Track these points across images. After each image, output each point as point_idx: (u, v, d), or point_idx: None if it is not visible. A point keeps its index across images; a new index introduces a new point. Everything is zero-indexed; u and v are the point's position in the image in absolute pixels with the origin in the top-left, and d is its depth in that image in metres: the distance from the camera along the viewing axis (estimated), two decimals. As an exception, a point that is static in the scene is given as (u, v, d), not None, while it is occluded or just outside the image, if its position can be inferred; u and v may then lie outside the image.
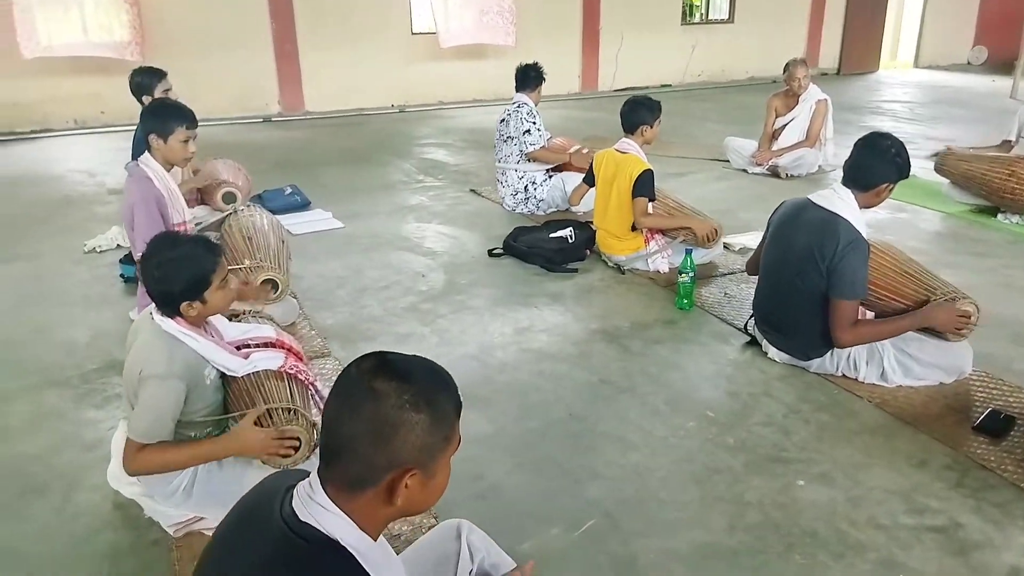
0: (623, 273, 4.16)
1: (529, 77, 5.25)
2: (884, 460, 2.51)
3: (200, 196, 4.43)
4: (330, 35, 9.27)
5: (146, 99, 4.19)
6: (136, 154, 3.91)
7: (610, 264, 4.25)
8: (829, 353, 3.02)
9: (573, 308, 3.71)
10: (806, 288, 2.93)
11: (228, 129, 8.50)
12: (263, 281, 3.33)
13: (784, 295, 3.06)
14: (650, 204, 4.11)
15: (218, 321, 2.40)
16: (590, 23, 10.99)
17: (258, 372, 2.26)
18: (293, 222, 4.99)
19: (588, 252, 4.36)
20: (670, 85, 11.86)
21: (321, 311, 3.67)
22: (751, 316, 3.35)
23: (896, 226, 4.97)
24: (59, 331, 3.49)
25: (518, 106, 5.21)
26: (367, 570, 1.10)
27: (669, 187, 4.73)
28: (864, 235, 2.87)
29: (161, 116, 3.19)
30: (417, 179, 6.21)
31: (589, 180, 4.40)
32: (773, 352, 3.17)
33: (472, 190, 5.86)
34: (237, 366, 2.23)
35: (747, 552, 2.11)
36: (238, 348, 2.35)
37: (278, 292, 3.38)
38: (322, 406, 2.41)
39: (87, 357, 3.23)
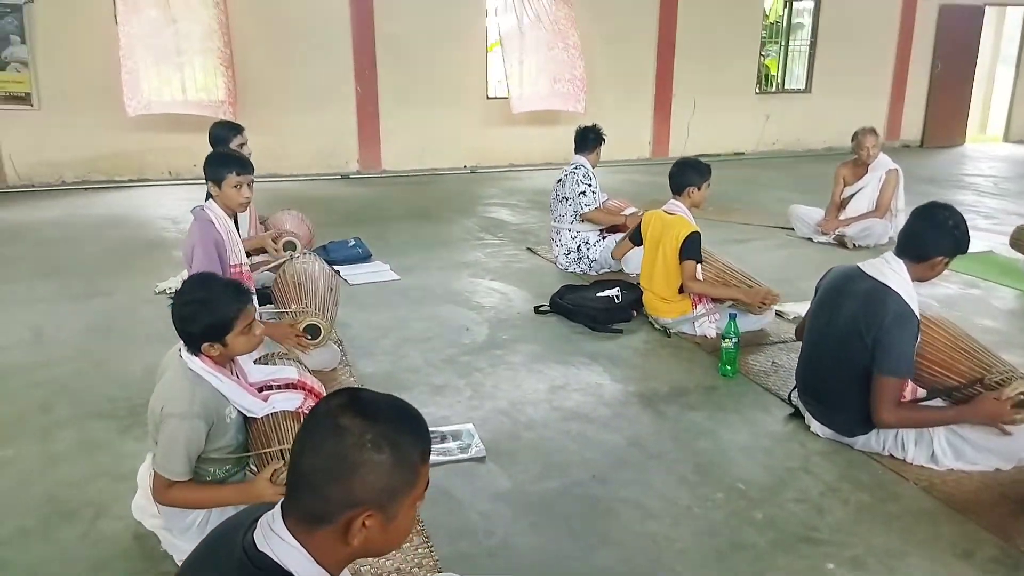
0: (669, 336, 4.09)
1: (588, 139, 5.32)
2: (925, 548, 2.33)
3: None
4: (410, 98, 9.67)
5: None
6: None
7: (656, 326, 4.18)
8: (875, 431, 2.86)
9: (611, 369, 3.66)
10: (850, 361, 2.81)
11: (309, 184, 8.91)
12: (306, 327, 3.43)
13: (827, 367, 2.93)
14: (698, 267, 4.05)
15: (244, 362, 2.49)
16: (663, 89, 11.10)
17: (276, 413, 2.32)
18: (352, 272, 5.14)
19: (635, 313, 4.31)
20: (743, 153, 11.77)
21: (363, 359, 3.74)
22: (795, 387, 3.22)
23: (967, 302, 4.72)
24: (117, 365, 3.67)
25: (575, 167, 5.28)
26: None
27: (730, 253, 4.62)
28: (915, 309, 2.74)
29: (214, 164, 3.38)
30: (477, 236, 6.33)
31: (635, 239, 4.39)
32: (816, 426, 3.03)
33: (529, 248, 5.91)
34: (256, 408, 2.29)
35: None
36: (261, 389, 2.42)
37: (319, 338, 3.47)
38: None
39: (138, 392, 3.37)
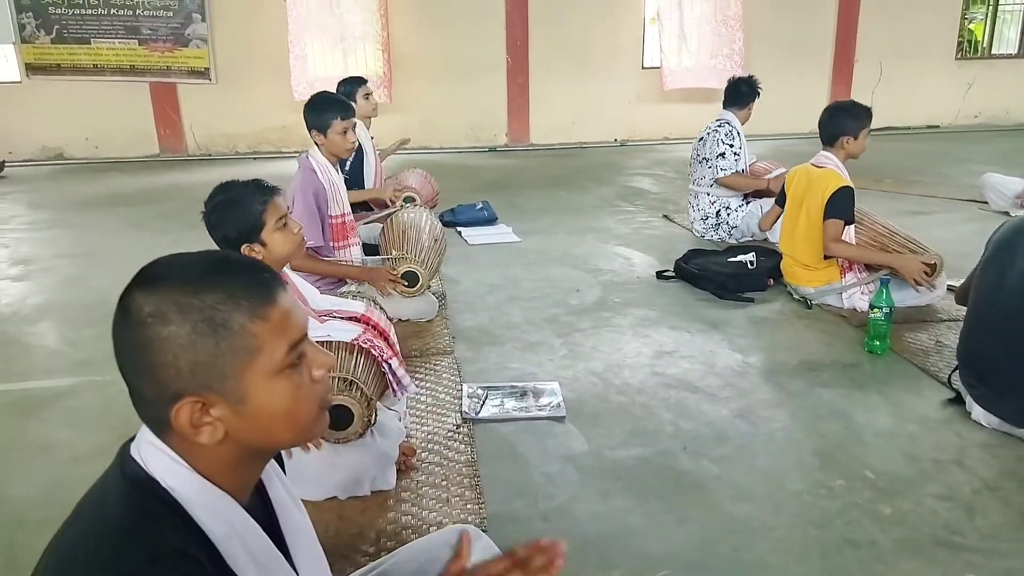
0: (809, 308, 3.55)
1: (740, 92, 4.77)
2: (1116, 573, 1.76)
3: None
4: (561, 69, 9.42)
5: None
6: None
7: (796, 296, 3.65)
8: (1060, 422, 2.25)
9: (732, 337, 3.21)
10: (1026, 331, 2.22)
11: (456, 156, 8.94)
12: (404, 273, 3.31)
13: (995, 338, 2.35)
14: (849, 228, 3.47)
15: (308, 290, 2.37)
16: (843, 54, 10.03)
17: (330, 341, 2.17)
18: (473, 234, 5.01)
19: (771, 282, 3.79)
20: (938, 126, 10.40)
21: (464, 313, 3.56)
22: (956, 367, 2.63)
23: None
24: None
25: (719, 124, 4.78)
26: (193, 516, 0.87)
27: (901, 224, 3.87)
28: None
29: (316, 110, 3.28)
30: (612, 204, 5.97)
31: (781, 201, 3.84)
32: (978, 412, 2.45)
33: (665, 216, 5.48)
34: (310, 325, 2.15)
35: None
36: (323, 316, 2.30)
37: (417, 285, 3.33)
38: (396, 387, 2.27)
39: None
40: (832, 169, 3.50)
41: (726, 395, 2.70)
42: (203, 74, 8.66)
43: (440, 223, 3.92)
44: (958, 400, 2.59)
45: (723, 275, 3.77)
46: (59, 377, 2.93)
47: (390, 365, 2.24)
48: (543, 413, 2.54)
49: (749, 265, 3.83)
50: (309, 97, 3.38)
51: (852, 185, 3.45)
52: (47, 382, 2.90)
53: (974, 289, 2.50)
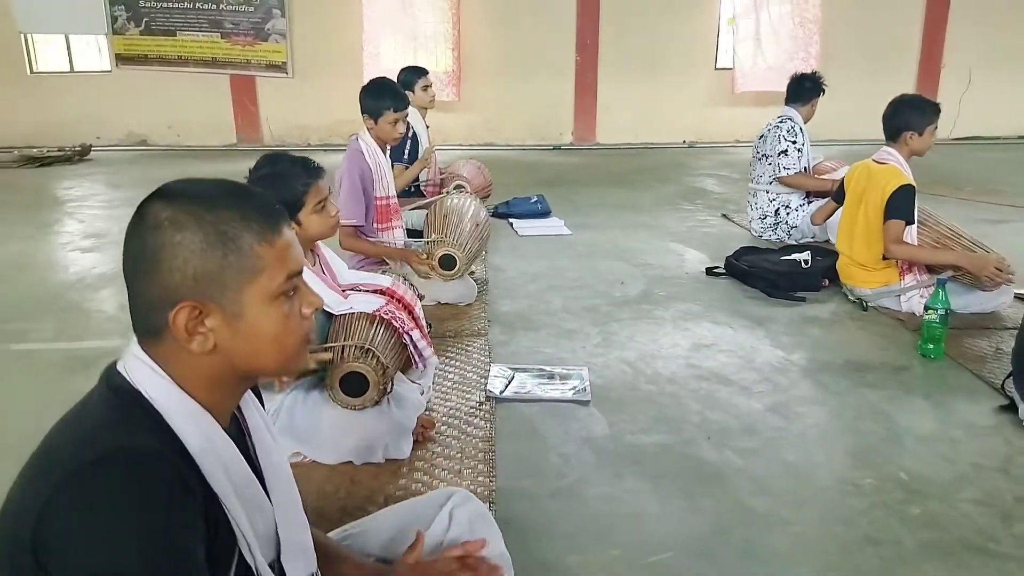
0: (865, 310, 3.39)
1: (803, 88, 4.63)
2: None
3: (441, 185, 4.68)
4: (631, 69, 9.33)
5: (409, 94, 4.51)
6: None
7: (851, 298, 3.50)
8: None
9: (775, 335, 3.10)
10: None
11: (520, 153, 8.95)
12: (442, 256, 3.33)
13: (1054, 340, 2.19)
14: (910, 229, 3.30)
15: (337, 264, 2.41)
16: (929, 59, 9.60)
17: (353, 313, 2.20)
18: (524, 225, 5.00)
19: (826, 282, 3.65)
20: (1030, 137, 9.83)
21: (504, 299, 3.55)
22: (1011, 373, 2.46)
23: None
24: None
25: (781, 120, 4.63)
26: (172, 426, 0.90)
27: (975, 231, 3.61)
28: None
29: (372, 97, 3.34)
30: (671, 202, 5.86)
31: (839, 197, 3.69)
32: (1033, 420, 2.29)
33: (724, 215, 5.35)
34: (333, 302, 2.19)
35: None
36: (348, 291, 2.32)
37: (454, 269, 3.34)
38: (418, 360, 2.28)
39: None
40: (894, 166, 3.34)
41: (760, 389, 2.61)
42: (281, 68, 8.95)
43: (485, 211, 3.93)
44: (1012, 408, 2.43)
45: (775, 273, 3.64)
46: (110, 339, 3.07)
47: (411, 337, 2.26)
48: (568, 396, 2.51)
49: (803, 264, 3.70)
50: (368, 81, 3.45)
51: (914, 183, 3.29)
52: (97, 343, 3.04)
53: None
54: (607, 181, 6.88)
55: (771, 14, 9.12)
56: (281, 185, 2.04)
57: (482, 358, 2.82)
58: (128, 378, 0.92)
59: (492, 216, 5.17)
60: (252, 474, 1.01)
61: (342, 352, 2.06)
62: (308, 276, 2.12)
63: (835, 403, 2.53)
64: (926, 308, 2.88)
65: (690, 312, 3.37)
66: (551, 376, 2.65)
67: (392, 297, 2.34)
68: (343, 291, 2.30)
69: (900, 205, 3.25)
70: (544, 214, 5.33)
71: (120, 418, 0.89)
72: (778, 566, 1.72)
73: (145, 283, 0.90)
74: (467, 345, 2.96)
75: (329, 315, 2.22)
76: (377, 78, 3.52)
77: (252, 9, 8.72)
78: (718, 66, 9.60)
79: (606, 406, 2.47)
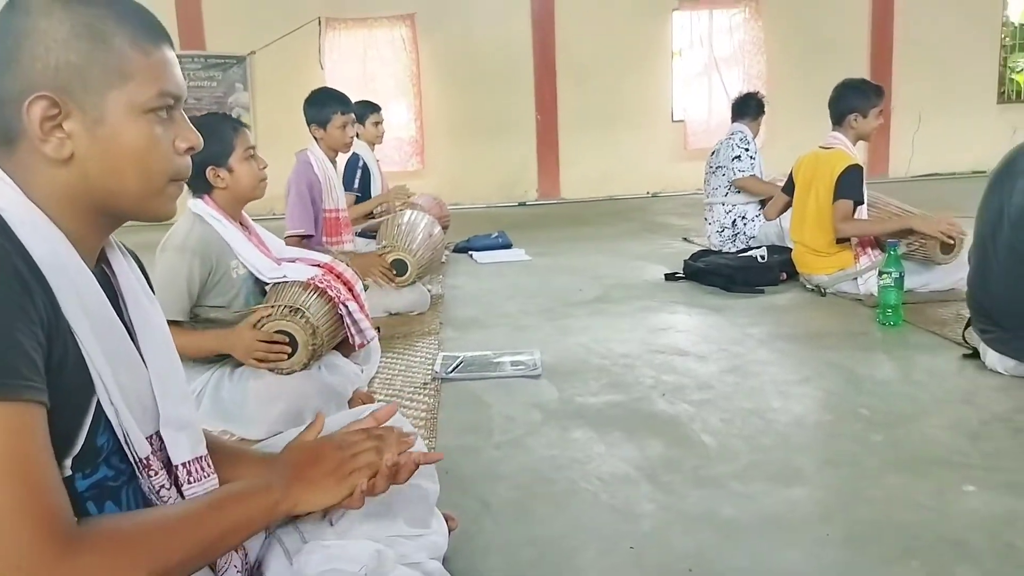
0: (823, 296, 3.34)
1: (749, 106, 4.73)
2: None
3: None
4: (591, 125, 9.53)
5: (359, 128, 4.54)
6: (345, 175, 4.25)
7: (809, 286, 3.45)
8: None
9: (734, 317, 3.03)
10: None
11: (486, 210, 9.01)
12: (393, 262, 3.27)
13: (1001, 271, 2.14)
14: (860, 210, 3.30)
15: (271, 240, 2.34)
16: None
17: (288, 281, 2.11)
18: (484, 256, 4.96)
19: (784, 276, 3.60)
20: (984, 171, 10.06)
21: (458, 307, 3.47)
22: (968, 321, 2.40)
23: None
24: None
25: (732, 133, 4.70)
26: (16, 234, 0.81)
27: None
28: None
29: (316, 105, 3.35)
30: (633, 233, 5.87)
31: (789, 190, 3.69)
32: (993, 358, 2.21)
33: (685, 238, 5.35)
34: (265, 268, 2.11)
35: (841, 560, 1.34)
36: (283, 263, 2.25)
37: (406, 274, 3.27)
38: (354, 331, 2.18)
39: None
40: (841, 149, 3.37)
41: (717, 357, 2.52)
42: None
43: (439, 227, 3.90)
44: (975, 356, 2.36)
45: (732, 268, 3.61)
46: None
47: (347, 308, 2.16)
48: (518, 372, 2.40)
49: (760, 259, 3.67)
50: (309, 93, 3.46)
51: (861, 164, 3.31)
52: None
53: (976, 226, 2.31)
54: (571, 223, 6.91)
55: (721, 75, 9.47)
56: (209, 130, 1.98)
57: (430, 349, 2.72)
58: None
59: (453, 252, 5.16)
60: (116, 318, 0.91)
61: (278, 312, 1.97)
62: (240, 241, 2.08)
63: (792, 362, 2.45)
64: (880, 273, 2.84)
65: (648, 307, 3.30)
66: (500, 357, 2.55)
67: (331, 272, 2.27)
68: (279, 262, 2.23)
69: (849, 185, 3.26)
70: (505, 247, 5.30)
71: None
72: (730, 487, 1.60)
73: (3, 75, 0.84)
74: (416, 342, 2.86)
75: (262, 286, 2.14)
76: (317, 89, 3.54)
77: (215, 84, 8.89)
78: (675, 119, 9.85)
79: (556, 377, 2.36)
